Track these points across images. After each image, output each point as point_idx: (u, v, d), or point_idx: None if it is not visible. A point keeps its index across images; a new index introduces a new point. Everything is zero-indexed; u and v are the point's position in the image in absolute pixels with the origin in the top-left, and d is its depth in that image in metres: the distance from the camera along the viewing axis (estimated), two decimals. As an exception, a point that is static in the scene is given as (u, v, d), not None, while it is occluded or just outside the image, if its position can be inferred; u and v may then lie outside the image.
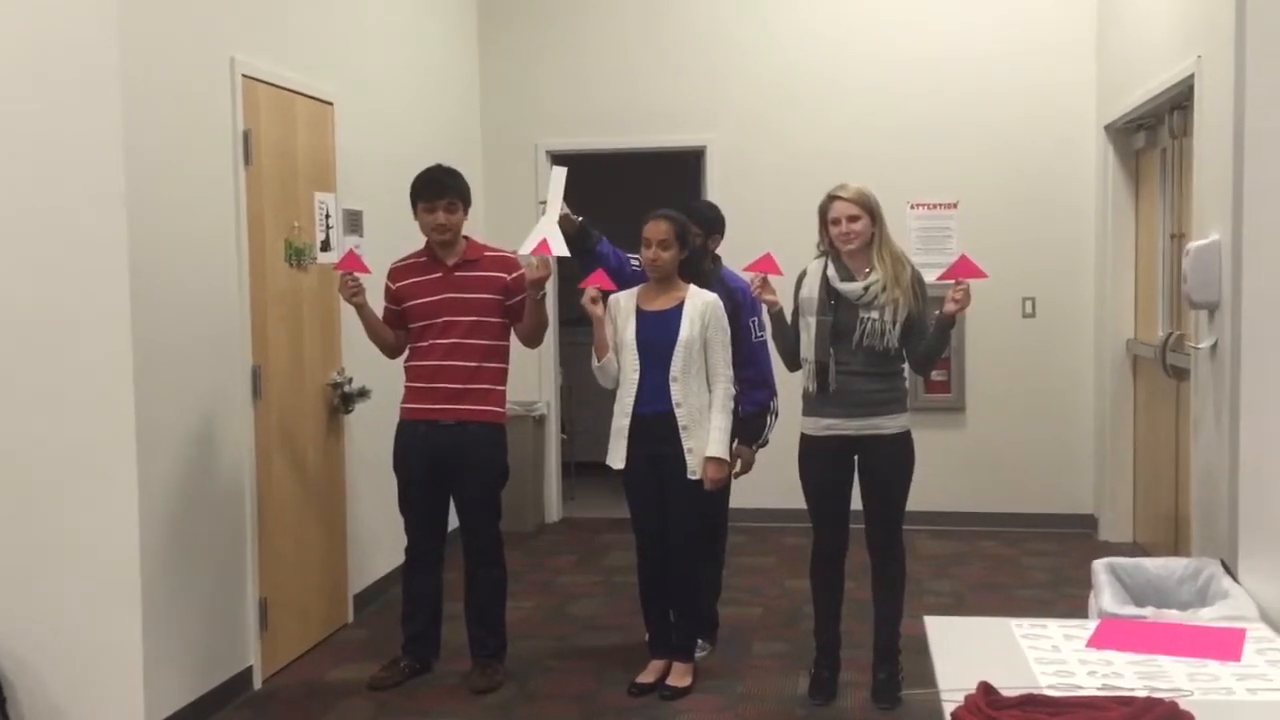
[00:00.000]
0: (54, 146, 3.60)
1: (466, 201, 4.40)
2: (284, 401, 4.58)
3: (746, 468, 4.55)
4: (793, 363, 4.13)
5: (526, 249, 4.12)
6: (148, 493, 3.69)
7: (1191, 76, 4.70)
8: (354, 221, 5.16)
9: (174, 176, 3.88)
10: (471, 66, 7.02)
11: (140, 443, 3.64)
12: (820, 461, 4.07)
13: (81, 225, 3.61)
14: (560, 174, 4.25)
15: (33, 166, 3.62)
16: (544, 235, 4.09)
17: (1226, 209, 4.22)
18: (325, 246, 4.87)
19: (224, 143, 4.19)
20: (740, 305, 4.41)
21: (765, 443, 4.61)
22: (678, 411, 4.12)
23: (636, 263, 4.44)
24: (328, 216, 4.93)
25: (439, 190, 4.31)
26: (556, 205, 4.19)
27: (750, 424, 4.44)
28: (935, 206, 6.71)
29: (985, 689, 2.19)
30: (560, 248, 4.10)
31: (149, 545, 3.70)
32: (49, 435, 3.65)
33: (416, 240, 4.49)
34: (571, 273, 4.58)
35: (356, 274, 4.23)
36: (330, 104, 4.99)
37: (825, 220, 4.02)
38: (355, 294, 4.24)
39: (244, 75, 4.27)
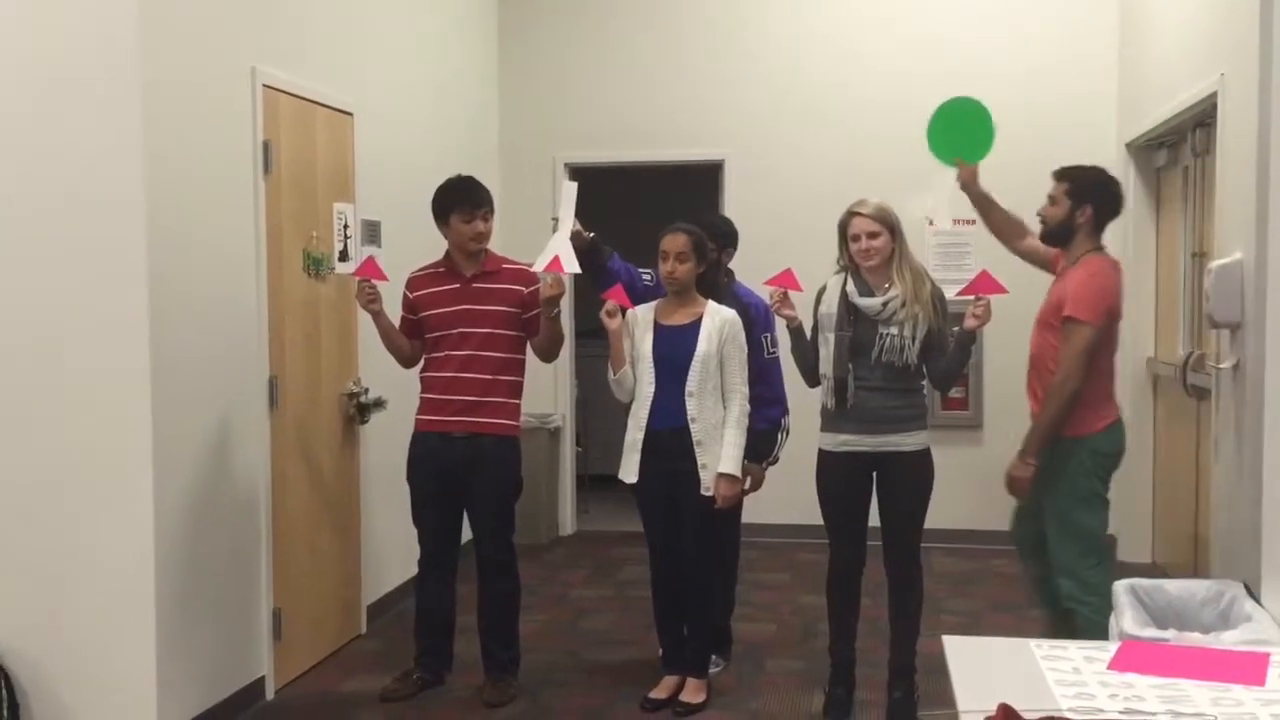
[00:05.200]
0: (74, 155, 3.62)
1: (493, 212, 4.42)
2: (300, 411, 4.58)
3: (756, 485, 4.51)
4: (811, 379, 4.11)
5: (540, 265, 4.12)
6: (163, 502, 3.69)
7: (1214, 94, 4.68)
8: (372, 232, 5.17)
9: (194, 185, 3.89)
10: (490, 79, 7.03)
11: (156, 452, 3.65)
12: (838, 478, 4.04)
13: (101, 234, 3.62)
14: (571, 189, 4.25)
15: (53, 175, 3.63)
16: (556, 251, 4.09)
17: (1250, 228, 4.18)
18: (343, 256, 4.88)
19: (244, 152, 4.20)
20: (753, 321, 4.39)
21: (776, 460, 4.58)
22: (693, 427, 4.10)
23: (648, 277, 4.43)
24: (346, 227, 4.94)
25: (478, 200, 4.32)
26: (568, 221, 4.18)
27: (761, 441, 4.41)
28: (955, 222, 6.63)
29: (1006, 711, 2.16)
30: (572, 264, 4.10)
31: (163, 555, 3.69)
32: (65, 444, 3.65)
33: (434, 251, 4.48)
34: (587, 285, 4.57)
35: (374, 281, 4.24)
36: (350, 114, 5.00)
37: (845, 236, 4.01)
38: (372, 301, 4.24)
39: (264, 85, 4.29)
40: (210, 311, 3.98)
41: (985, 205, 4.53)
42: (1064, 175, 4.23)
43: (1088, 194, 4.17)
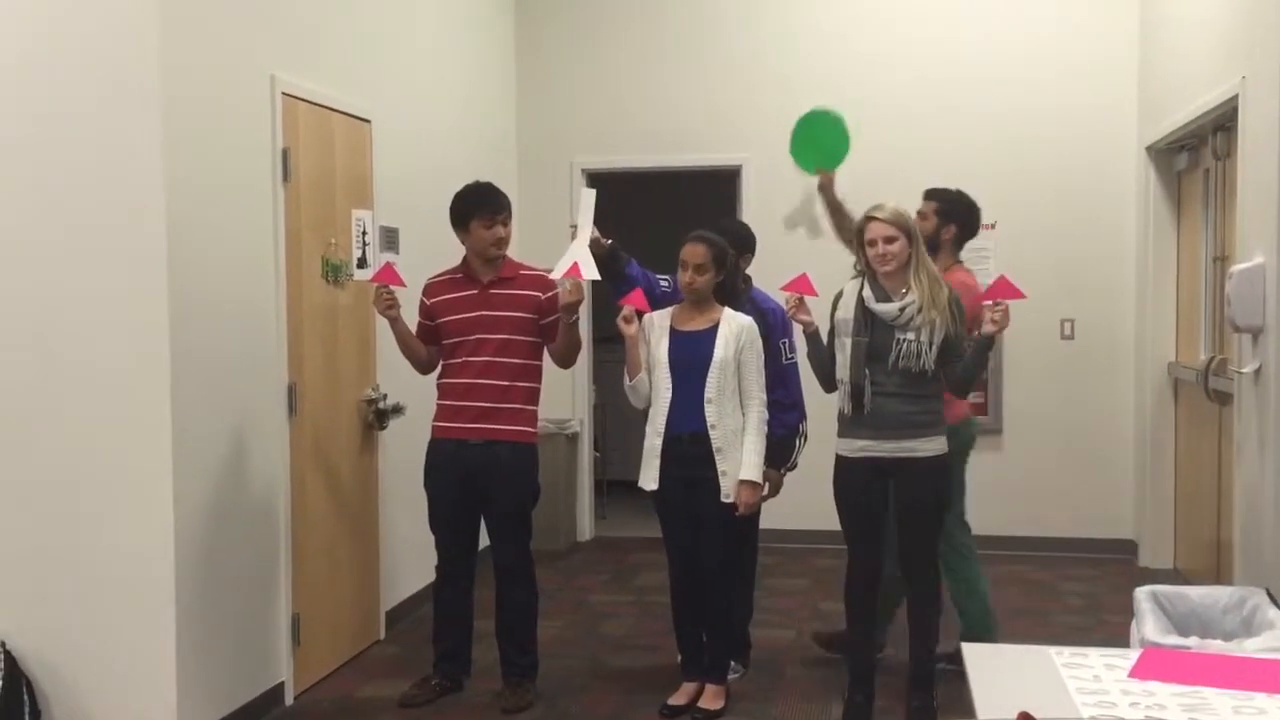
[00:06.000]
0: (94, 164, 3.64)
1: (511, 217, 4.44)
2: (319, 418, 4.59)
3: (774, 491, 4.50)
4: (828, 384, 4.10)
5: (558, 272, 4.12)
6: (182, 508, 3.71)
7: (1235, 97, 4.65)
8: (390, 238, 5.19)
9: (213, 193, 3.91)
10: (508, 85, 7.05)
11: (176, 458, 3.66)
12: (855, 483, 4.02)
13: (121, 242, 3.64)
14: (590, 197, 4.25)
15: (73, 183, 3.65)
16: (575, 258, 4.10)
17: (1271, 231, 4.16)
18: (362, 263, 4.88)
19: (263, 160, 4.22)
20: (771, 326, 4.38)
21: (794, 466, 4.57)
22: (712, 434, 4.09)
23: (666, 284, 4.43)
24: (364, 233, 4.95)
25: (498, 205, 4.34)
26: (587, 228, 4.18)
27: (779, 447, 4.39)
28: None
29: (1025, 719, 2.15)
30: (591, 271, 4.10)
31: (184, 561, 3.71)
32: (85, 451, 3.67)
33: (452, 257, 4.50)
34: (605, 291, 4.57)
35: (391, 287, 4.25)
36: (368, 122, 5.02)
37: (862, 241, 4.00)
38: (390, 307, 4.25)
39: (284, 93, 4.31)
40: (230, 318, 4.00)
41: (839, 210, 4.72)
42: (934, 195, 4.68)
43: (954, 214, 4.63)
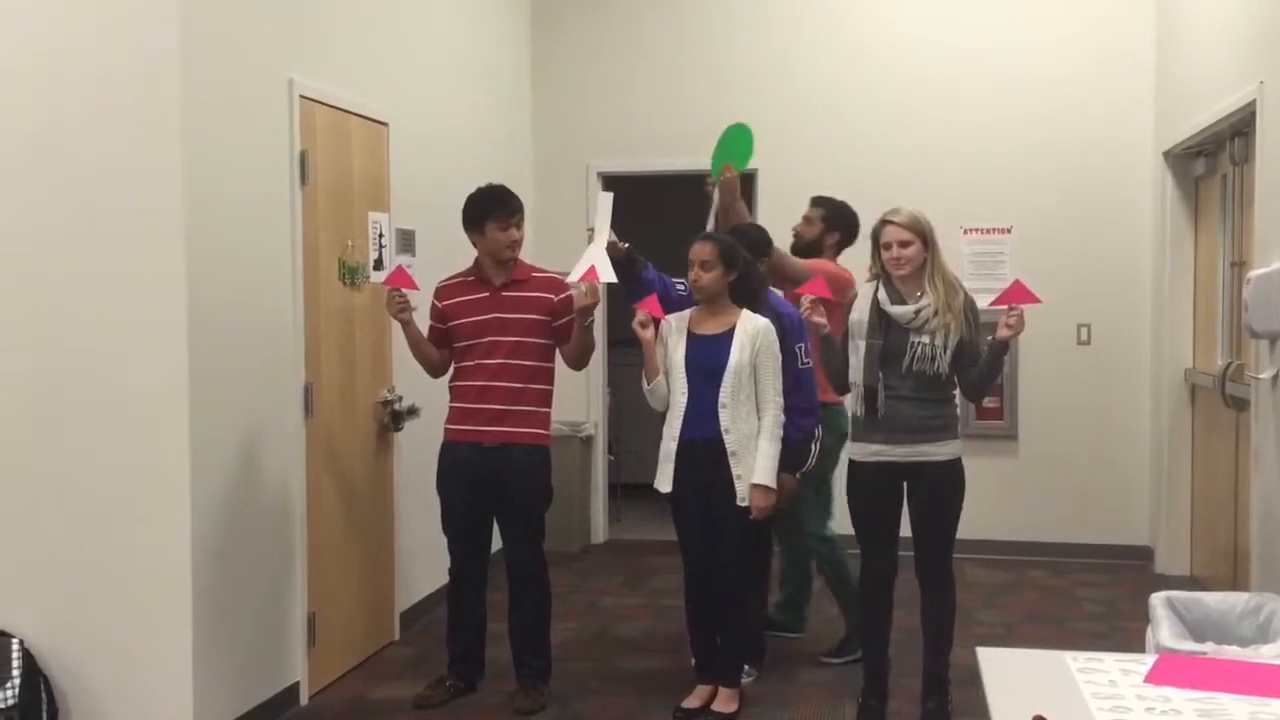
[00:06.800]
0: (112, 166, 3.66)
1: (524, 219, 4.45)
2: (335, 419, 4.61)
3: (790, 496, 4.49)
4: (841, 386, 4.10)
5: (575, 275, 4.12)
6: (199, 508, 3.73)
7: (1253, 102, 4.63)
8: (406, 241, 5.21)
9: (231, 196, 3.93)
10: (524, 88, 7.07)
11: (193, 459, 3.69)
12: (868, 487, 4.02)
13: (139, 244, 3.66)
14: (607, 200, 4.26)
15: (91, 186, 3.68)
16: (592, 261, 4.11)
17: (1290, 236, 4.14)
18: (378, 265, 4.92)
19: (281, 163, 4.24)
20: (788, 330, 4.36)
21: (810, 470, 4.56)
22: (726, 437, 4.09)
23: (682, 287, 4.43)
24: (381, 236, 4.98)
25: (513, 207, 4.36)
26: (604, 231, 4.19)
27: (795, 451, 4.38)
28: (989, 231, 6.65)
29: (1039, 723, 2.14)
30: (608, 273, 4.10)
31: (200, 561, 3.73)
32: (103, 451, 3.70)
33: (469, 260, 4.51)
34: (621, 294, 4.58)
35: (404, 290, 4.27)
36: (385, 124, 5.04)
37: (877, 244, 4.00)
38: (402, 310, 4.26)
39: (301, 96, 4.33)
40: (247, 320, 4.02)
41: (737, 210, 4.80)
42: (821, 203, 5.02)
43: (837, 223, 4.94)
